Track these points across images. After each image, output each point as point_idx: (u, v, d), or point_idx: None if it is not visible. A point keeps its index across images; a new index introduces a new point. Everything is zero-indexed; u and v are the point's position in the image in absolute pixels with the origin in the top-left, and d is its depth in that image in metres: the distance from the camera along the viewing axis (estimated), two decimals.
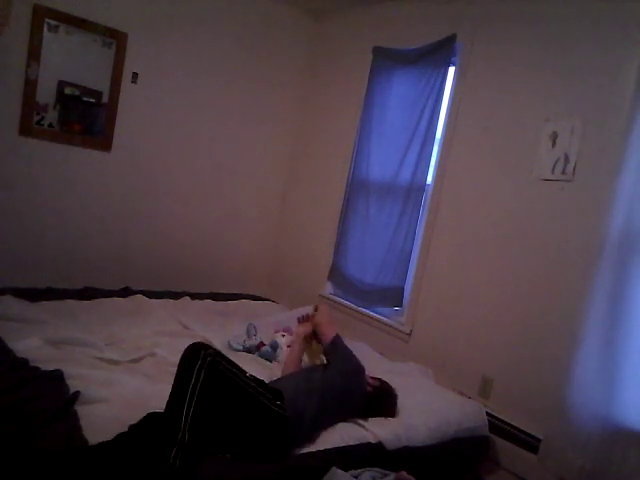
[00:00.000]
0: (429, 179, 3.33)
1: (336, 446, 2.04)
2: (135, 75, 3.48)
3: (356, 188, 3.74)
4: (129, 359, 2.40)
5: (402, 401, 2.47)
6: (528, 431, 2.65)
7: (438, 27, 3.27)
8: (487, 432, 2.65)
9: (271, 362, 2.78)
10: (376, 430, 2.20)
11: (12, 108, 3.10)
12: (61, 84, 3.23)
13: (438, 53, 3.24)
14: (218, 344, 2.83)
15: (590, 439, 2.32)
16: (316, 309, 2.65)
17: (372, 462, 2.03)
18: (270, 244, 4.41)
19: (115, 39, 3.35)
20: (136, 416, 1.83)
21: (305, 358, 2.60)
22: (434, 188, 3.28)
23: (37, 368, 2.02)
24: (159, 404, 1.89)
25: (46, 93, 3.18)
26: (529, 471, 2.60)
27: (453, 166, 3.19)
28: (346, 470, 1.89)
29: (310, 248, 4.10)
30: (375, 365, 2.99)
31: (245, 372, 1.93)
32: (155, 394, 2.01)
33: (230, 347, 2.83)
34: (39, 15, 3.06)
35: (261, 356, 2.81)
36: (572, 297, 2.48)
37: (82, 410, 1.79)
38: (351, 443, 2.09)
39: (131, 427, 1.74)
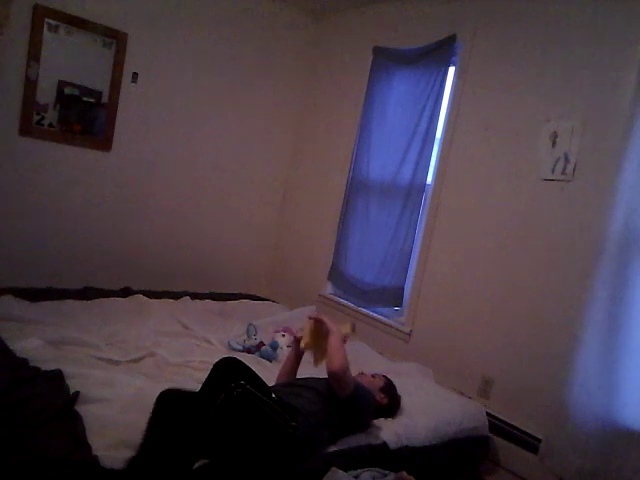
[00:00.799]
0: (429, 179, 3.33)
1: (336, 447, 2.04)
2: (135, 75, 3.48)
3: (356, 188, 3.74)
4: (129, 359, 2.41)
5: (402, 401, 2.47)
6: (528, 431, 2.65)
7: (438, 27, 3.27)
8: (487, 432, 2.65)
9: (271, 362, 2.78)
10: (377, 430, 2.20)
11: (12, 108, 3.09)
12: (61, 84, 3.23)
13: (438, 53, 3.24)
14: (218, 344, 2.84)
15: (590, 439, 2.32)
16: (353, 329, 2.37)
17: (372, 462, 2.03)
18: (270, 244, 4.41)
19: (115, 39, 3.35)
20: (136, 416, 1.83)
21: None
22: (434, 188, 3.28)
23: (37, 368, 2.02)
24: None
25: (46, 93, 3.18)
26: (529, 471, 2.60)
27: (453, 166, 3.19)
28: (346, 470, 1.89)
29: (310, 248, 4.10)
30: (375, 365, 2.99)
31: (270, 392, 1.87)
32: (155, 394, 2.01)
33: (230, 347, 2.83)
34: (39, 15, 3.06)
35: (261, 356, 2.81)
36: (572, 297, 2.48)
37: (82, 410, 1.79)
38: (352, 443, 2.09)
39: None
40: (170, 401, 1.75)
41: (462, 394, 2.87)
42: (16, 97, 3.09)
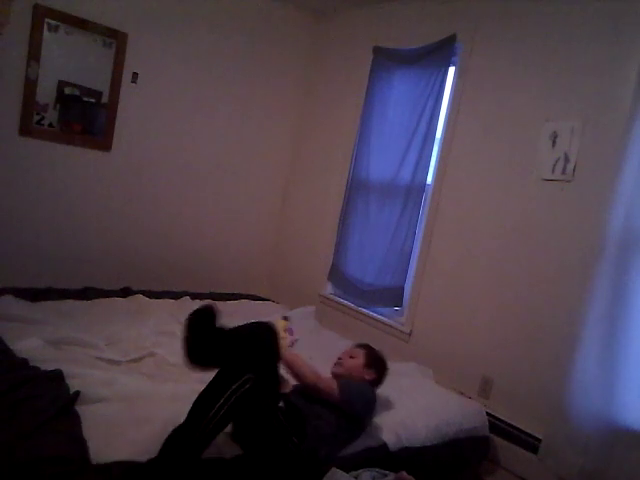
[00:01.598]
0: (429, 179, 3.33)
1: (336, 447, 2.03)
2: (135, 75, 3.48)
3: (356, 188, 3.74)
4: (129, 359, 2.41)
5: (402, 401, 2.48)
6: (528, 431, 2.65)
7: (438, 27, 3.27)
8: (487, 432, 2.65)
9: None
10: (377, 431, 2.20)
11: (12, 108, 3.09)
12: (61, 84, 3.23)
13: (438, 53, 3.24)
14: None
15: (590, 439, 2.32)
16: (286, 319, 2.43)
17: (372, 462, 2.03)
18: (270, 244, 4.41)
19: (115, 39, 3.35)
20: (136, 416, 1.83)
21: None
22: (434, 188, 3.28)
23: (37, 368, 2.01)
24: (159, 404, 1.90)
25: (46, 93, 3.18)
26: (529, 471, 2.60)
27: (453, 166, 3.19)
28: (346, 470, 1.89)
29: (310, 248, 4.10)
30: None
31: (279, 400, 1.89)
32: (155, 394, 2.01)
33: None
34: (39, 15, 3.06)
35: None
36: (572, 297, 2.48)
37: (82, 410, 1.79)
38: (352, 443, 2.09)
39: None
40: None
41: (462, 394, 2.87)
42: (16, 97, 3.09)
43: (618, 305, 2.28)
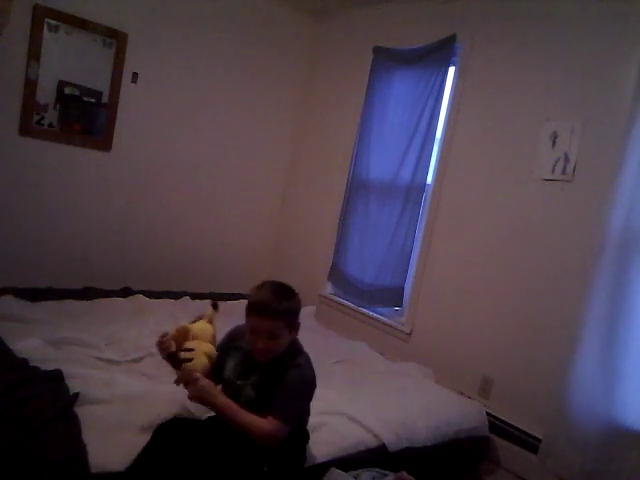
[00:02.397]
0: (429, 179, 3.33)
1: (337, 447, 2.03)
2: (135, 75, 3.48)
3: (356, 188, 3.74)
4: (129, 359, 2.40)
5: (402, 401, 2.48)
6: (528, 431, 2.65)
7: (438, 27, 3.27)
8: (487, 432, 2.65)
9: None
10: (378, 431, 2.20)
11: (12, 108, 3.09)
12: (61, 84, 3.22)
13: (438, 53, 3.24)
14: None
15: (590, 439, 2.33)
16: (215, 307, 1.92)
17: (372, 462, 2.03)
18: (270, 244, 4.41)
19: (115, 39, 3.35)
20: (136, 417, 1.83)
21: None
22: (434, 188, 3.28)
23: (37, 368, 2.01)
24: (159, 404, 1.89)
25: (46, 93, 3.18)
26: (529, 471, 2.60)
27: (453, 166, 3.19)
28: (346, 470, 1.89)
29: (310, 248, 4.10)
30: (375, 365, 2.99)
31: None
32: (155, 394, 2.01)
33: None
34: (39, 15, 3.06)
35: None
36: (572, 297, 2.48)
37: (82, 412, 1.78)
38: (352, 444, 2.09)
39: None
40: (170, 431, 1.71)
41: (462, 394, 2.87)
42: (16, 97, 3.09)
43: (618, 305, 2.29)
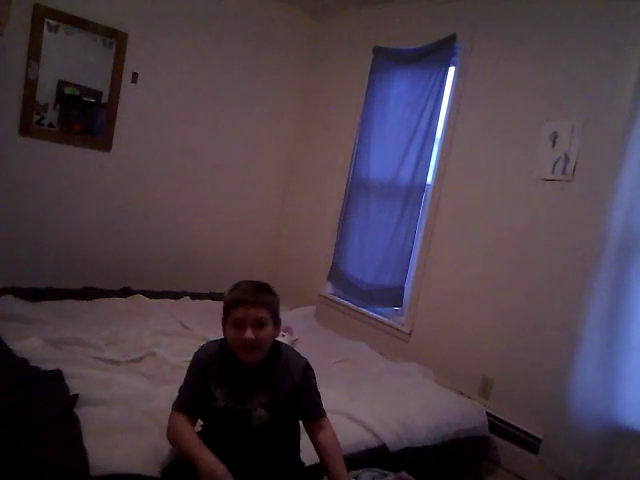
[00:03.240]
0: (429, 179, 3.33)
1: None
2: (135, 75, 3.48)
3: (356, 188, 3.74)
4: (129, 359, 2.40)
5: (402, 401, 2.47)
6: (528, 431, 2.65)
7: (438, 27, 3.27)
8: (487, 432, 2.65)
9: None
10: (378, 431, 2.20)
11: (12, 108, 3.09)
12: (61, 84, 3.22)
13: (438, 53, 3.24)
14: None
15: (590, 439, 2.33)
16: None
17: (372, 462, 2.03)
18: (270, 244, 4.41)
19: (115, 39, 3.35)
20: (136, 418, 1.83)
21: None
22: (434, 188, 3.28)
23: (37, 368, 2.01)
24: (159, 405, 1.89)
25: (46, 93, 3.18)
26: (529, 471, 2.60)
27: (453, 166, 3.19)
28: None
29: (310, 248, 4.10)
30: (375, 365, 2.99)
31: None
32: (155, 395, 2.01)
33: None
34: (39, 15, 3.06)
35: None
36: (572, 297, 2.48)
37: (82, 413, 1.78)
38: (352, 444, 2.08)
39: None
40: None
41: (462, 394, 2.86)
42: (16, 97, 3.09)
43: (618, 305, 2.29)
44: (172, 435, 1.62)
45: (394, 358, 3.21)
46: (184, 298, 3.44)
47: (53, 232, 3.38)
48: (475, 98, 3.11)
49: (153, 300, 3.21)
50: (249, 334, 1.61)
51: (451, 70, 3.26)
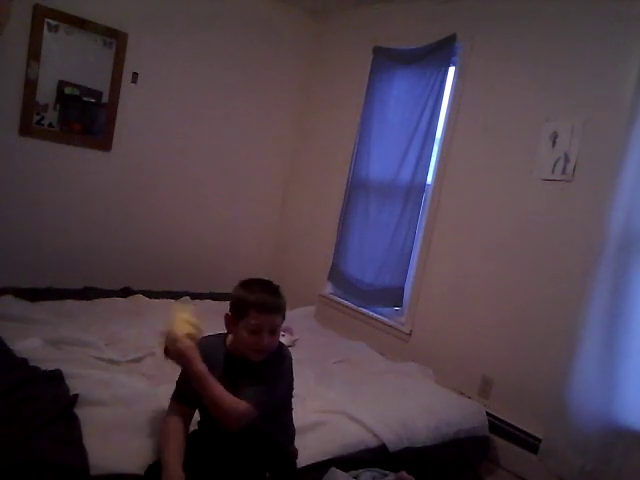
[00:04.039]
0: (429, 179, 3.33)
1: (337, 447, 2.03)
2: (135, 75, 3.48)
3: (356, 188, 3.74)
4: (129, 359, 2.40)
5: (402, 401, 2.47)
6: (528, 431, 2.65)
7: (438, 27, 3.27)
8: (487, 432, 2.65)
9: None
10: (378, 430, 2.20)
11: (12, 108, 3.09)
12: (61, 84, 3.22)
13: (438, 53, 3.24)
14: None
15: (590, 439, 2.33)
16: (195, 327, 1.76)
17: (372, 462, 2.03)
18: (270, 244, 4.41)
19: (115, 39, 3.35)
20: (136, 418, 1.83)
21: None
22: (434, 188, 3.28)
23: (37, 368, 2.01)
24: (159, 405, 1.89)
25: (46, 93, 3.18)
26: (529, 471, 2.60)
27: (453, 166, 3.18)
28: (346, 470, 1.89)
29: (310, 248, 4.10)
30: (375, 365, 2.99)
31: None
32: (155, 395, 2.01)
33: None
34: (39, 15, 3.06)
35: None
36: (572, 297, 2.48)
37: (82, 413, 1.78)
38: (352, 443, 2.09)
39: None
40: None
41: (462, 394, 2.87)
42: (16, 97, 3.09)
43: (618, 305, 2.29)
44: (161, 431, 1.66)
45: (394, 358, 3.21)
46: (184, 298, 3.43)
47: (53, 232, 3.38)
48: (475, 98, 3.11)
49: (153, 300, 3.21)
50: (267, 340, 1.65)
51: (451, 70, 3.26)
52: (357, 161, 3.76)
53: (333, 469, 1.87)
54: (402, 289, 3.36)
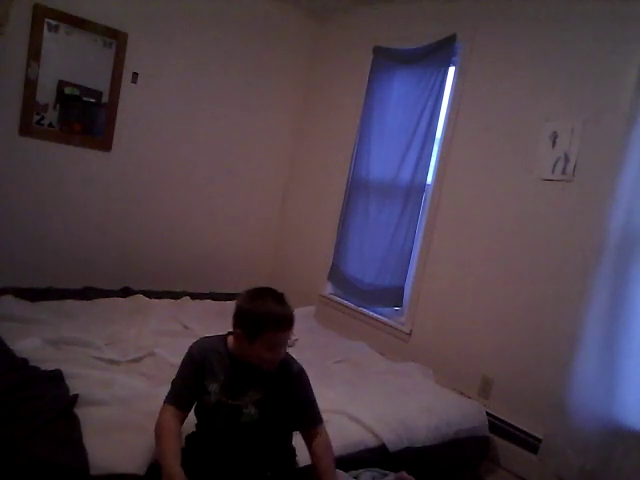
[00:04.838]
0: (429, 179, 3.33)
1: (337, 447, 2.03)
2: (135, 75, 3.48)
3: (356, 188, 3.74)
4: (129, 359, 2.40)
5: (402, 401, 2.47)
6: (528, 431, 2.65)
7: (438, 27, 3.27)
8: (487, 432, 2.65)
9: None
10: (378, 430, 2.20)
11: (12, 108, 3.09)
12: (61, 84, 3.22)
13: (438, 53, 3.24)
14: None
15: (590, 439, 2.33)
16: None
17: (372, 462, 2.03)
18: (270, 244, 4.41)
19: (115, 39, 3.35)
20: (136, 418, 1.83)
21: None
22: (434, 188, 3.28)
23: (37, 368, 2.01)
24: (159, 405, 1.89)
25: (46, 93, 3.18)
26: (529, 471, 2.60)
27: (453, 166, 3.19)
28: (346, 470, 1.89)
29: (310, 248, 4.10)
30: (375, 365, 2.99)
31: None
32: (155, 395, 2.01)
33: None
34: (39, 15, 3.06)
35: None
36: (572, 297, 2.48)
37: (82, 413, 1.78)
38: (352, 443, 2.08)
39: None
40: None
41: (462, 394, 2.86)
42: (16, 97, 3.09)
43: (618, 305, 2.29)
44: (156, 432, 1.64)
45: (394, 358, 3.21)
46: (184, 298, 3.43)
47: (53, 232, 3.38)
48: (475, 98, 3.11)
49: (153, 300, 3.21)
50: (283, 353, 1.67)
51: (451, 70, 3.26)
52: (357, 161, 3.76)
53: None
54: (402, 289, 3.36)
